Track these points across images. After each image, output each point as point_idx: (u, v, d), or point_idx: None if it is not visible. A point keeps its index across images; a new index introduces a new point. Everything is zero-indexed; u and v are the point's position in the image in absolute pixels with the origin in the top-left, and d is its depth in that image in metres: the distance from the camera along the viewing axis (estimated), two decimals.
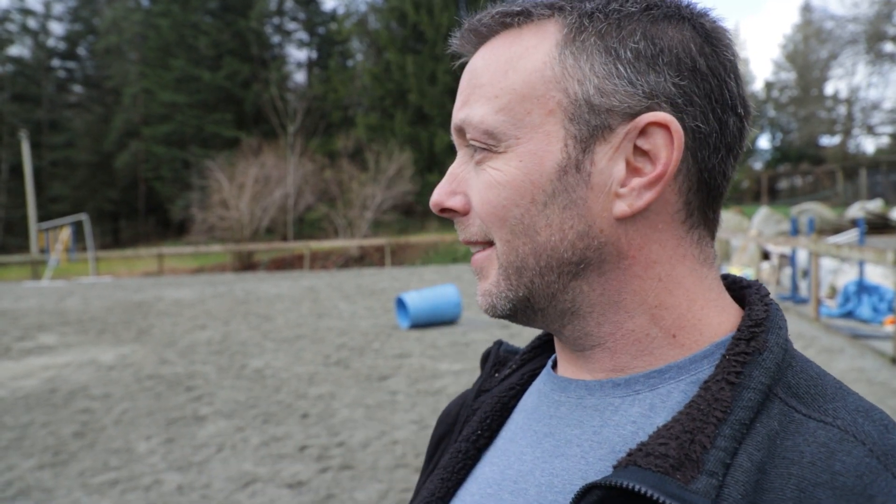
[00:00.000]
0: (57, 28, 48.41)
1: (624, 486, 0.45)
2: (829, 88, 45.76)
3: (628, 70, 0.52)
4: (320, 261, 27.08)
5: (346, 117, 38.65)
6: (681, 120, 0.52)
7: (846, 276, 10.64)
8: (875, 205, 23.06)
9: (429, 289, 10.32)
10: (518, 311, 0.58)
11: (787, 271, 12.19)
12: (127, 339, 9.71)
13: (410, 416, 5.48)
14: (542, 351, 0.72)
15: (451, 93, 37.40)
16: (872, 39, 34.77)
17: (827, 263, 11.42)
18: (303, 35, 47.27)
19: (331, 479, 4.24)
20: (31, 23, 44.20)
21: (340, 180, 30.17)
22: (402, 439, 4.91)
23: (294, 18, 46.74)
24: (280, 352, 8.40)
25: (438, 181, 0.63)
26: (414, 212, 34.38)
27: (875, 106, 39.23)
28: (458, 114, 0.58)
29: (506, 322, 10.23)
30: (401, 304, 10.01)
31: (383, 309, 12.08)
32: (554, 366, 0.65)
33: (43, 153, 40.04)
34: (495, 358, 0.76)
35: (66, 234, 25.02)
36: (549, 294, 0.55)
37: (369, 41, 40.15)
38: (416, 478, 4.27)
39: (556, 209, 0.53)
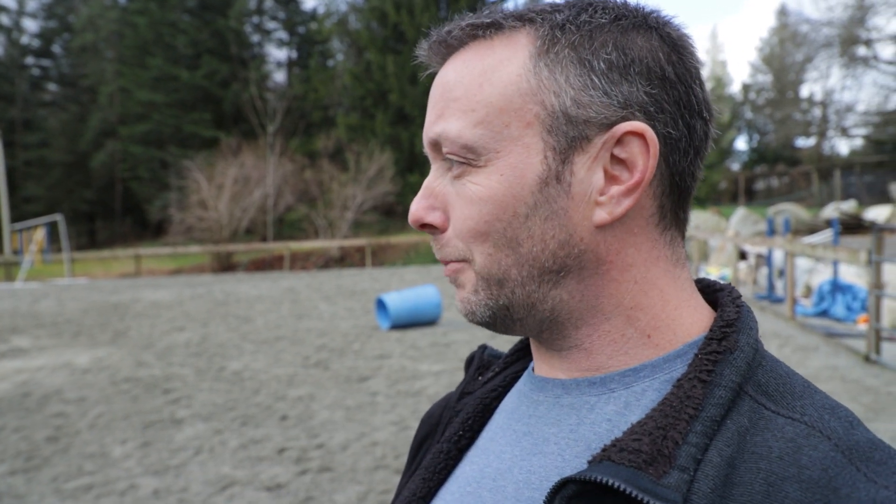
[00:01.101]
0: (31, 25, 47.65)
1: (597, 480, 0.46)
2: (805, 91, 46.44)
3: (602, 81, 0.53)
4: (300, 262, 26.93)
5: (327, 117, 38.51)
6: (653, 127, 0.54)
7: (821, 276, 10.80)
8: (849, 205, 23.46)
9: (409, 289, 10.30)
10: (497, 320, 0.59)
11: (764, 271, 12.35)
12: (103, 342, 9.57)
13: (390, 417, 5.47)
14: (524, 354, 0.73)
15: None
16: (846, 43, 35.35)
17: (802, 263, 11.58)
18: (283, 34, 46.97)
19: (310, 482, 4.21)
20: (4, 19, 43.45)
21: (321, 180, 30.04)
22: (381, 441, 4.89)
23: (274, 18, 46.42)
24: (259, 353, 8.34)
25: (419, 182, 0.63)
26: (395, 212, 34.31)
27: (849, 108, 39.89)
28: (433, 127, 0.58)
29: None
30: (381, 304, 9.98)
31: (363, 310, 12.04)
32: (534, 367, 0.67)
33: (16, 152, 39.33)
34: (479, 361, 0.77)
35: (40, 234, 24.62)
36: (528, 304, 0.56)
37: (350, 41, 40.01)
38: (396, 479, 4.25)
39: (538, 220, 0.54)
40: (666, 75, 0.54)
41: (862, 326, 8.44)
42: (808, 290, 11.04)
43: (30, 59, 45.69)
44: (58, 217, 25.45)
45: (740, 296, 0.59)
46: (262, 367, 7.56)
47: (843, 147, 50.96)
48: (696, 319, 0.57)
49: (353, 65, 37.48)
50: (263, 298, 14.54)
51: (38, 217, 28.68)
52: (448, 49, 0.59)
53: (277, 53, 58.79)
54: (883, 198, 27.90)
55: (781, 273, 11.39)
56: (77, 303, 14.80)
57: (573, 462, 0.54)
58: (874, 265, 6.88)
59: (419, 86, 33.16)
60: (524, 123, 0.54)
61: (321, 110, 39.17)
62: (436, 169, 0.60)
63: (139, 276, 24.83)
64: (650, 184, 0.55)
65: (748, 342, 0.53)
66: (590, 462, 0.49)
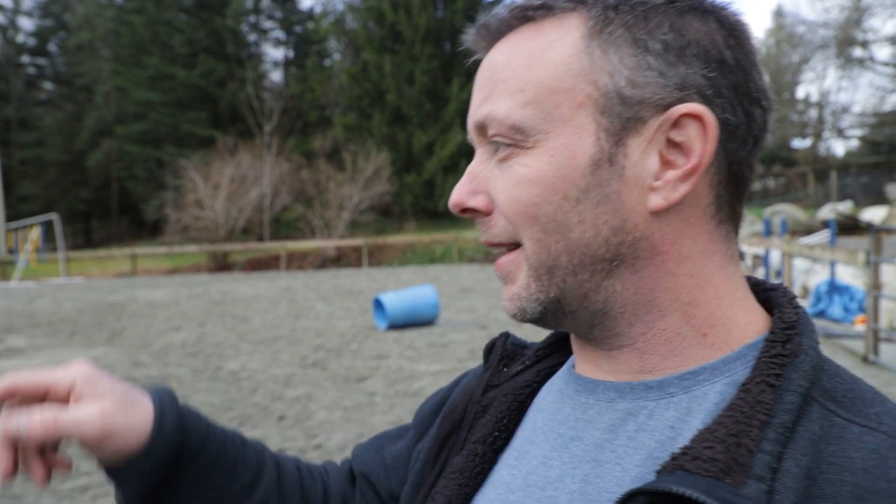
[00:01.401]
0: (26, 24, 47.49)
1: (673, 491, 0.43)
2: (801, 92, 46.58)
3: (658, 62, 0.51)
4: (297, 261, 26.89)
5: (323, 117, 38.47)
6: (711, 111, 0.51)
7: (818, 277, 10.82)
8: (845, 206, 23.53)
9: (407, 289, 10.29)
10: (548, 314, 0.56)
11: (761, 272, 12.36)
12: (99, 342, 9.53)
13: (388, 417, 5.45)
14: (558, 348, 0.69)
15: (429, 93, 37.12)
16: (842, 44, 35.45)
17: (799, 264, 11.60)
18: (279, 34, 46.95)
19: None
20: (0, 18, 43.36)
21: (317, 180, 30.01)
22: None
23: (271, 17, 46.38)
24: (256, 353, 8.31)
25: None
26: (391, 212, 34.30)
27: (845, 109, 40.02)
28: (480, 110, 0.56)
29: (484, 322, 10.16)
30: (378, 304, 9.96)
31: (361, 310, 12.02)
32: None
33: (12, 151, 39.25)
34: (503, 351, 0.73)
35: (35, 233, 24.54)
36: (580, 294, 0.54)
37: (347, 41, 39.97)
38: None
39: (590, 204, 0.52)
40: (724, 59, 0.52)
41: (859, 327, 8.45)
42: (805, 291, 11.05)
43: (25, 58, 45.59)
44: (53, 216, 25.37)
45: (795, 297, 0.57)
46: (260, 367, 7.53)
47: (839, 148, 51.14)
48: (752, 320, 0.55)
49: (350, 64, 37.46)
50: (260, 298, 14.51)
51: (33, 216, 28.58)
52: (496, 33, 0.58)
53: (274, 53, 58.71)
54: (879, 199, 27.97)
55: (778, 274, 11.40)
56: (73, 302, 14.75)
57: (633, 471, 0.51)
58: (872, 266, 6.88)
59: (416, 86, 33.17)
60: (576, 104, 0.52)
61: (318, 110, 39.13)
62: (480, 154, 0.58)
63: (135, 276, 24.76)
64: (707, 171, 0.52)
65: (811, 345, 0.51)
66: (659, 472, 0.46)
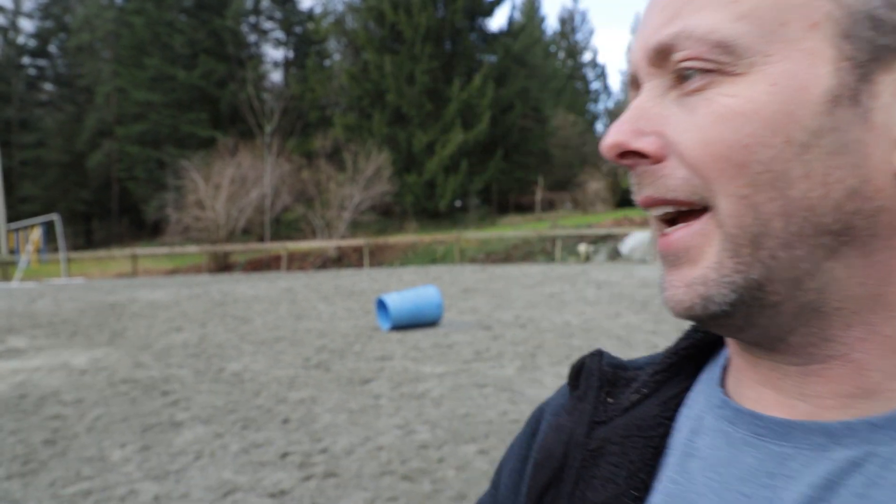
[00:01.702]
0: (27, 25, 47.54)
1: None
2: None
3: None
4: (298, 262, 26.83)
5: (324, 117, 38.45)
6: None
7: None
8: None
9: (410, 290, 10.22)
10: (740, 307, 0.41)
11: None
12: (100, 342, 9.46)
13: (395, 420, 5.38)
14: (679, 370, 0.54)
15: (429, 93, 37.10)
16: None
17: None
18: (279, 34, 46.91)
19: (314, 488, 4.12)
20: (0, 19, 43.33)
21: (318, 181, 29.98)
22: (387, 445, 4.80)
23: (270, 17, 46.35)
24: (259, 354, 8.24)
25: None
26: (392, 212, 34.29)
27: None
28: (664, 30, 0.43)
29: (487, 323, 10.14)
30: (381, 305, 9.90)
31: (363, 310, 11.95)
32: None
33: (13, 152, 39.21)
34: (601, 376, 0.56)
35: (36, 234, 24.48)
36: (792, 278, 0.40)
37: (347, 41, 39.97)
38: (402, 485, 4.16)
39: (821, 153, 0.39)
40: None
41: None
42: None
43: (26, 59, 45.58)
44: (54, 217, 25.31)
45: None
46: (262, 368, 7.46)
47: None
48: None
49: (351, 65, 37.45)
50: (261, 299, 14.44)
51: (34, 217, 28.53)
52: None
53: (274, 53, 58.76)
54: None
55: None
56: (74, 303, 14.68)
57: None
58: None
59: (416, 85, 33.13)
60: (809, 23, 0.39)
61: (318, 110, 39.11)
62: (651, 88, 0.45)
63: (136, 276, 24.70)
64: None
65: None
66: None
